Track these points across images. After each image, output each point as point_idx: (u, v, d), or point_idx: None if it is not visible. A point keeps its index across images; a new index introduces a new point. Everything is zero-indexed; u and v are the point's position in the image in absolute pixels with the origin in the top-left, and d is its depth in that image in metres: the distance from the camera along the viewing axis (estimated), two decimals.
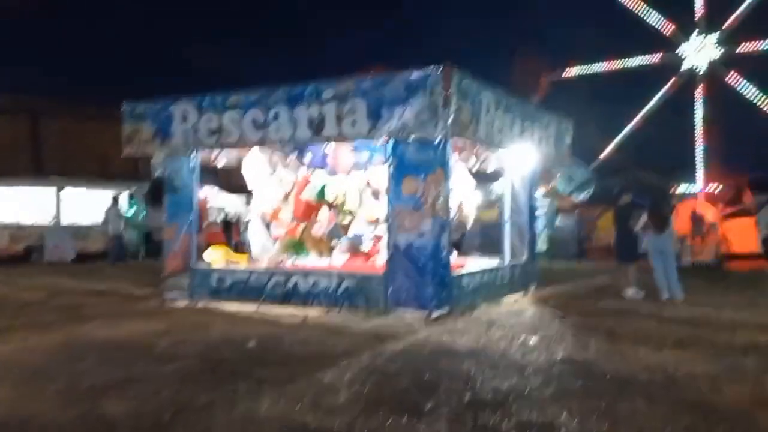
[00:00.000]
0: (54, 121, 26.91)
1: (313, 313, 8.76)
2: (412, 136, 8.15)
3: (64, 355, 6.27)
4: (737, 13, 21.76)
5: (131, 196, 22.07)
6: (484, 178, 12.94)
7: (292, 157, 10.96)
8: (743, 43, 21.63)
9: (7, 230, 19.10)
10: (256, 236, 10.40)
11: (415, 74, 7.99)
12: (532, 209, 11.55)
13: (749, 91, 21.64)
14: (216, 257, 10.54)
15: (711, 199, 21.65)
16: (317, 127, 8.58)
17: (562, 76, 25.67)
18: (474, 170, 11.85)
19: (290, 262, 10.23)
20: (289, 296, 9.07)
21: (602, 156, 25.10)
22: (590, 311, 9.19)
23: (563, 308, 9.39)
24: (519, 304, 9.92)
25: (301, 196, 10.37)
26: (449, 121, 7.91)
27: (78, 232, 20.15)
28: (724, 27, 21.94)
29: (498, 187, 12.32)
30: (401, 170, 8.44)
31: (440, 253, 8.42)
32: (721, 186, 22.33)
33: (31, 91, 26.37)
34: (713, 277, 14.89)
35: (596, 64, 25.15)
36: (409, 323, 7.96)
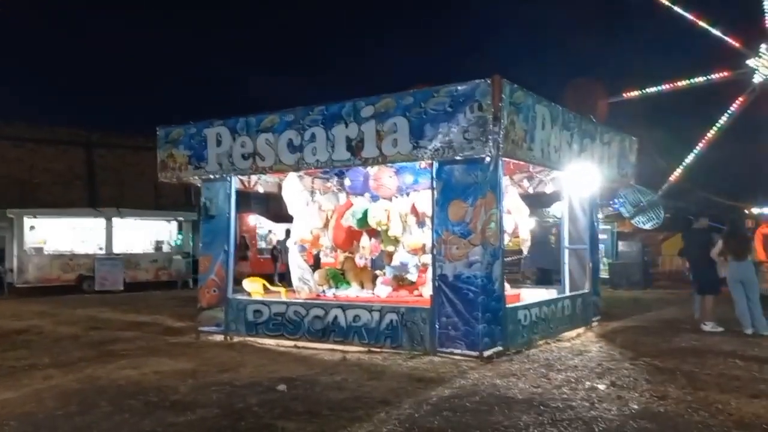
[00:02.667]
0: (108, 152, 27.38)
1: (353, 350, 8.03)
2: (459, 156, 7.38)
3: (76, 402, 5.71)
4: None
5: (180, 225, 22.09)
6: (537, 201, 12.06)
7: (332, 181, 10.36)
8: None
9: (60, 259, 19.28)
10: (294, 265, 9.76)
11: (462, 87, 7.25)
12: (593, 235, 10.55)
13: None
14: (255, 288, 9.97)
15: None
16: (356, 148, 7.93)
17: (622, 97, 24.49)
18: (529, 193, 11.01)
19: (330, 293, 9.56)
20: (328, 331, 8.37)
21: (670, 179, 23.63)
22: (664, 350, 8.14)
23: (632, 346, 8.37)
24: (581, 341, 8.93)
25: (341, 222, 9.71)
26: (500, 138, 7.12)
27: (129, 261, 20.19)
28: None
29: (555, 211, 11.41)
30: (448, 194, 7.68)
31: (492, 284, 7.58)
32: None
33: (86, 123, 27.03)
34: None
35: (658, 84, 23.90)
36: (457, 364, 7.14)
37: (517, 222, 9.87)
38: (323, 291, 9.71)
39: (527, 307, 8.54)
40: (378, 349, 7.94)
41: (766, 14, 21.52)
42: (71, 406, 5.55)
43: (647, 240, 20.57)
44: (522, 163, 8.56)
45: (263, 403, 5.62)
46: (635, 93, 24.57)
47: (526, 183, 10.61)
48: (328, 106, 8.21)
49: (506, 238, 9.18)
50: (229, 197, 9.40)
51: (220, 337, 9.23)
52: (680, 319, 10.96)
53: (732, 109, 22.36)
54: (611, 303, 14.05)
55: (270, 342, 8.71)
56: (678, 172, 23.54)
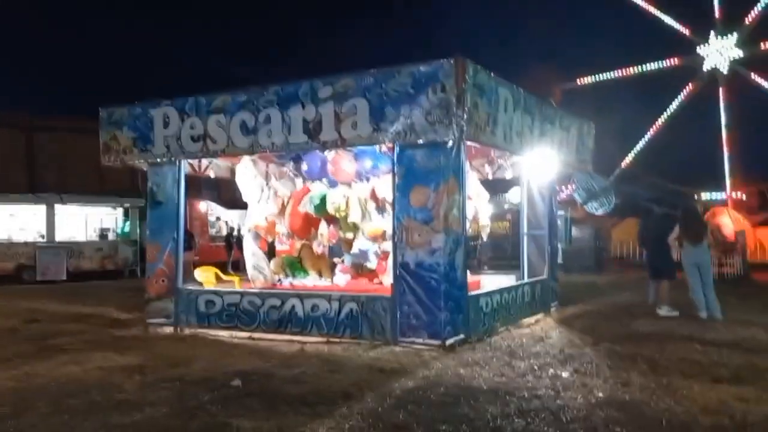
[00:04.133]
0: (50, 135, 26.17)
1: (312, 341, 7.76)
2: (422, 139, 7.14)
3: (10, 403, 5.27)
4: (756, 12, 20.77)
5: (126, 211, 21.31)
6: (493, 186, 11.95)
7: (289, 166, 9.99)
8: (764, 42, 20.63)
9: None
10: (249, 254, 9.39)
11: (424, 67, 7.00)
12: (552, 220, 10.51)
13: None
14: (207, 278, 9.56)
15: (737, 206, 20.55)
16: (313, 131, 7.60)
17: (576, 84, 24.70)
18: (489, 179, 10.89)
19: (287, 282, 9.24)
20: (285, 322, 8.06)
21: (621, 165, 24.00)
22: (624, 335, 8.14)
23: (592, 332, 8.34)
24: (541, 327, 8.88)
25: (298, 209, 9.38)
26: (463, 121, 6.91)
27: (72, 249, 19.35)
28: (743, 27, 20.93)
29: (512, 197, 11.34)
30: (409, 179, 7.44)
31: (455, 271, 7.40)
32: (746, 193, 21.25)
33: (26, 105, 25.80)
34: (743, 290, 13.82)
35: (611, 71, 24.18)
36: (420, 354, 6.95)
37: (477, 208, 9.74)
38: (279, 280, 9.39)
39: (489, 294, 8.42)
40: (338, 340, 7.69)
41: (715, 3, 21.96)
42: (4, 408, 5.11)
43: (599, 225, 20.85)
44: (483, 147, 8.39)
45: (216, 399, 5.31)
46: (589, 79, 24.84)
47: (486, 168, 10.48)
48: (284, 86, 7.85)
49: (470, 225, 9.05)
50: (178, 182, 8.94)
51: (169, 330, 8.81)
52: (635, 304, 11.04)
53: (682, 96, 22.81)
54: (567, 288, 14.08)
55: (223, 334, 8.36)
56: (630, 157, 23.94)
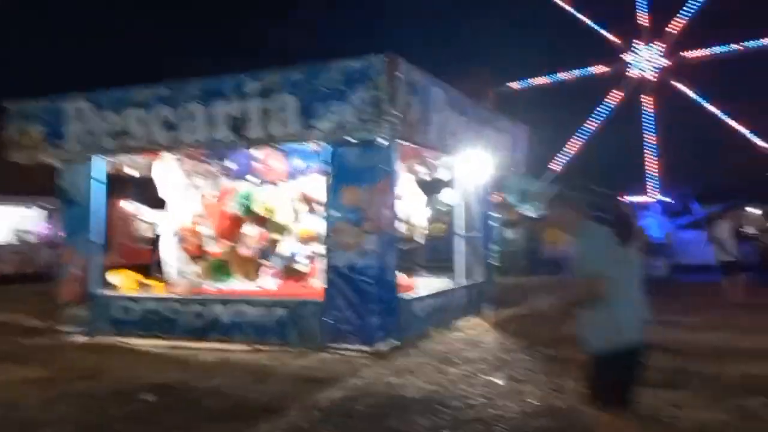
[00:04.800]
0: None
1: (236, 349, 7.35)
2: (353, 138, 6.87)
3: None
4: (681, 21, 21.59)
5: (47, 212, 20.11)
6: (429, 188, 11.82)
7: (214, 164, 9.51)
8: (688, 51, 21.46)
9: None
10: (169, 257, 8.86)
11: (355, 63, 6.73)
12: (487, 223, 10.44)
13: (696, 99, 21.43)
14: (124, 282, 8.96)
15: (660, 210, 21.24)
16: (239, 128, 7.21)
17: (510, 88, 25.03)
18: (424, 180, 10.73)
19: (212, 287, 8.77)
20: (208, 329, 7.62)
21: (552, 168, 24.51)
22: (557, 338, 7.96)
23: (526, 335, 8.25)
24: (476, 331, 8.74)
25: (224, 209, 8.93)
26: (396, 119, 6.67)
27: None
28: (668, 36, 21.73)
29: (447, 198, 11.24)
30: (340, 179, 7.16)
31: (387, 274, 7.17)
32: (669, 196, 22.01)
33: None
34: (667, 291, 14.19)
35: (542, 76, 24.62)
36: (350, 361, 6.66)
37: (412, 209, 9.55)
38: (204, 284, 8.89)
39: (423, 297, 8.22)
40: (264, 348, 7.31)
41: (637, 12, 22.67)
42: None
43: (531, 227, 21.09)
44: (417, 147, 8.19)
45: (128, 415, 4.88)
46: (521, 83, 25.27)
47: (420, 169, 10.30)
48: (208, 80, 7.42)
49: (402, 226, 8.84)
50: (94, 181, 8.35)
51: (83, 339, 8.20)
52: (568, 306, 11.09)
53: (609, 101, 23.44)
54: (501, 290, 14.15)
55: (141, 343, 7.82)
56: (560, 160, 24.46)
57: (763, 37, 19.91)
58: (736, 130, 20.94)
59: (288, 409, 4.97)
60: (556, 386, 5.63)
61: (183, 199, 8.94)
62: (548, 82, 24.86)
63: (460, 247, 10.12)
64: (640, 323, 3.39)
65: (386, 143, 6.93)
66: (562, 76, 24.60)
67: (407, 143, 7.48)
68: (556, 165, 24.40)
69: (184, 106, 7.44)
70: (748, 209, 22.59)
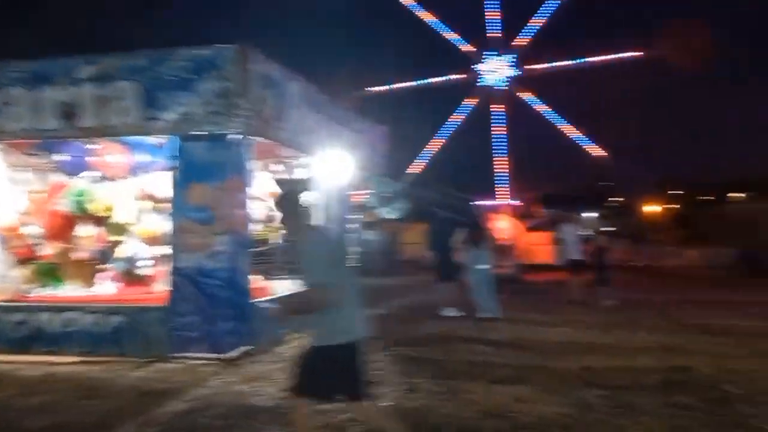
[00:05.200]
0: None
1: (65, 361, 6.60)
2: (201, 131, 6.43)
3: None
4: (528, 36, 23.00)
5: None
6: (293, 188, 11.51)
7: (43, 157, 8.54)
8: (534, 63, 22.91)
9: None
10: None
11: (204, 51, 6.32)
12: (346, 224, 10.33)
13: (542, 108, 22.92)
14: None
15: (509, 213, 22.46)
16: (69, 116, 6.50)
17: (371, 91, 25.29)
18: (287, 179, 10.37)
19: (40, 293, 7.84)
20: (31, 340, 6.79)
21: (410, 171, 25.07)
22: (413, 338, 8.13)
23: (383, 335, 8.19)
24: None
25: (56, 207, 8.03)
26: (248, 113, 6.33)
27: None
28: (516, 48, 23.06)
29: (306, 199, 10.98)
30: (188, 175, 6.68)
31: (238, 277, 6.79)
32: (518, 200, 23.31)
33: None
34: (518, 289, 14.96)
35: (400, 83, 25.09)
36: (196, 370, 6.21)
37: (271, 209, 9.18)
38: (31, 291, 7.93)
39: (275, 300, 7.89)
40: (98, 359, 6.62)
41: (492, 25, 23.90)
42: None
43: (390, 229, 21.43)
44: (272, 144, 7.87)
45: None
46: (383, 88, 25.66)
47: (277, 168, 9.94)
48: (34, 62, 6.62)
49: (258, 227, 8.47)
50: None
51: None
52: (423, 306, 11.29)
53: (463, 108, 24.45)
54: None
55: None
56: (419, 164, 25.10)
57: (604, 54, 21.74)
58: (577, 140, 22.62)
59: (122, 425, 4.49)
60: (411, 386, 5.58)
61: (6, 195, 7.92)
62: (407, 86, 25.41)
63: None
64: (362, 320, 3.50)
65: (238, 138, 6.55)
66: (417, 83, 25.25)
67: (261, 139, 7.15)
68: (415, 168, 25.03)
69: (6, 90, 6.58)
70: (587, 212, 24.67)
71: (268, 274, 10.19)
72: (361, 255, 19.95)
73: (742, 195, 34.51)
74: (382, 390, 5.43)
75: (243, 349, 6.79)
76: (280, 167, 9.83)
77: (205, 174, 6.60)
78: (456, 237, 9.98)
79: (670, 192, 54.17)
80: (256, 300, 7.33)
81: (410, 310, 10.96)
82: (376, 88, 25.85)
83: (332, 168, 9.35)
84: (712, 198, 39.08)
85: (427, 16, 24.36)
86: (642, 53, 20.80)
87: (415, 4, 25.48)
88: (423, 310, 10.73)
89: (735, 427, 4.50)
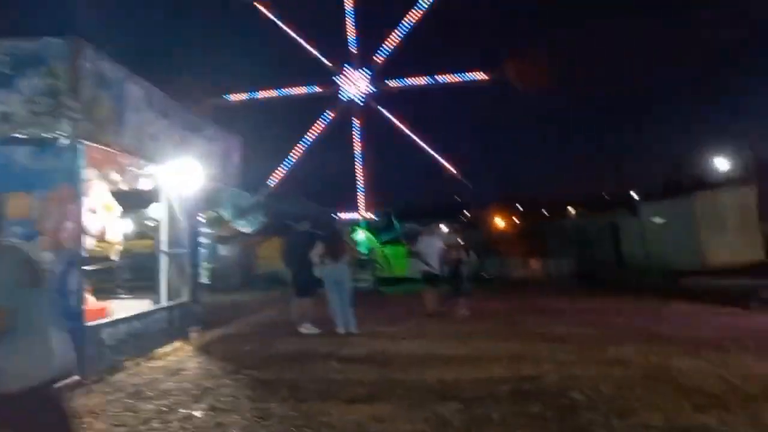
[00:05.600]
0: None
1: None
2: (22, 134, 5.66)
3: None
4: (386, 52, 23.43)
5: None
6: (137, 200, 10.68)
7: None
8: (391, 80, 23.37)
9: None
10: None
11: (26, 43, 5.57)
12: (195, 238, 9.70)
13: (397, 124, 23.39)
14: None
15: (368, 226, 22.60)
16: None
17: (230, 100, 24.37)
18: (123, 190, 9.54)
19: None
20: None
21: (270, 183, 24.45)
22: (266, 358, 7.74)
23: (234, 357, 7.76)
24: (178, 358, 7.95)
25: None
26: (79, 115, 5.67)
27: None
28: (374, 65, 23.41)
29: (153, 212, 10.20)
30: (6, 183, 5.83)
31: (68, 299, 6.04)
32: (375, 214, 23.54)
33: None
34: (373, 301, 15.00)
35: (259, 92, 24.45)
36: None
37: (107, 223, 8.38)
38: None
39: (114, 323, 7.18)
40: None
41: (352, 40, 24.07)
42: None
43: (246, 243, 20.72)
44: (109, 150, 7.16)
45: None
46: (242, 97, 24.86)
47: (116, 177, 9.13)
48: None
49: (91, 242, 7.66)
50: None
51: None
52: (279, 322, 10.91)
53: (323, 119, 24.34)
54: (212, 309, 13.41)
55: None
56: (278, 176, 24.57)
57: (462, 73, 22.65)
58: (432, 155, 23.32)
59: None
60: (261, 413, 5.22)
61: None
62: (269, 96, 24.83)
63: (164, 265, 9.21)
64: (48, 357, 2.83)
65: (67, 143, 5.85)
66: (276, 93, 24.78)
67: (96, 145, 6.45)
68: (275, 180, 24.46)
69: None
70: (442, 226, 25.48)
71: (108, 294, 9.33)
72: (215, 270, 19.15)
73: (578, 210, 37.56)
74: (230, 419, 5.05)
75: (72, 379, 6.02)
76: (120, 177, 9.04)
77: (26, 182, 5.83)
78: (313, 251, 9.71)
79: (518, 207, 57.87)
80: (91, 323, 6.61)
81: (265, 328, 10.53)
82: (236, 97, 24.96)
83: (180, 178, 8.75)
84: (553, 213, 42.16)
85: (290, 27, 24.00)
86: (487, 76, 21.90)
87: (277, 15, 25.06)
88: (278, 327, 10.35)
89: None
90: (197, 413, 5.25)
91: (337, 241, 9.80)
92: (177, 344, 8.70)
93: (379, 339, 8.99)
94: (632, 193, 47.56)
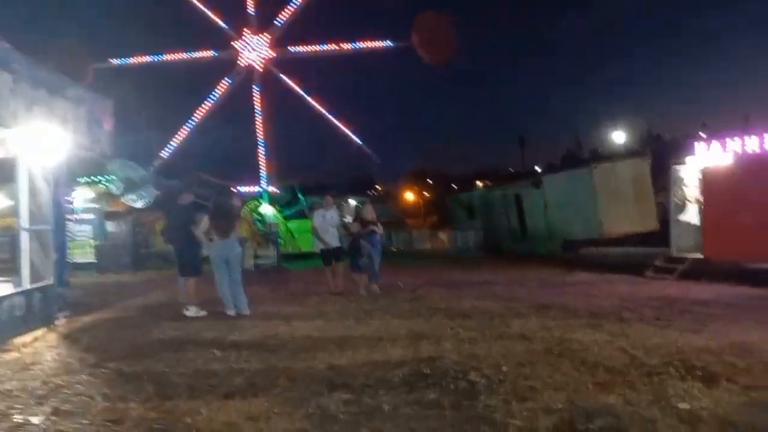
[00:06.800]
0: None
1: None
2: None
3: None
4: (286, 15, 22.20)
5: None
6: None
7: None
8: (293, 45, 22.22)
9: None
10: None
11: None
12: (59, 213, 8.57)
13: (302, 94, 22.36)
14: None
15: (272, 200, 21.70)
16: None
17: (111, 63, 22.35)
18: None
19: None
20: None
21: (162, 155, 22.82)
22: (138, 347, 6.87)
23: (101, 346, 6.85)
24: (35, 348, 6.92)
25: None
26: None
27: None
28: (275, 28, 22.15)
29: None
30: None
31: None
32: (278, 187, 22.63)
33: None
34: (274, 279, 14.27)
35: (151, 56, 22.51)
36: None
37: None
38: None
39: None
40: None
41: (248, 4, 22.61)
42: None
43: (139, 219, 19.34)
44: None
45: None
46: (123, 60, 22.89)
47: None
48: None
49: None
50: None
51: None
52: (165, 304, 10.00)
53: (220, 89, 22.87)
54: (93, 291, 12.27)
55: None
56: (171, 147, 22.96)
57: (362, 41, 21.79)
58: (338, 127, 22.54)
59: None
60: (115, 415, 4.43)
61: None
62: (156, 61, 22.99)
63: (24, 244, 8.05)
64: None
65: None
66: (168, 57, 23.03)
67: None
68: (166, 152, 22.84)
69: None
70: (350, 200, 24.92)
71: None
72: (102, 248, 17.72)
73: (486, 183, 38.07)
74: (75, 425, 4.24)
75: None
76: None
77: None
78: (200, 227, 8.83)
79: (428, 181, 58.29)
80: None
81: (148, 310, 9.58)
82: (116, 61, 22.91)
83: (39, 144, 7.61)
84: (462, 187, 42.61)
85: None
86: (391, 44, 21.22)
87: None
88: (162, 310, 9.45)
89: (482, 423, 4.17)
90: (35, 419, 4.38)
91: (224, 214, 8.93)
92: (39, 333, 7.65)
93: (273, 321, 8.30)
94: (536, 166, 48.99)
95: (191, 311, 8.77)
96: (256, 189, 21.88)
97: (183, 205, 9.23)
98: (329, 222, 11.22)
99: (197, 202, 9.77)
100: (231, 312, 8.73)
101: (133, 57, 22.81)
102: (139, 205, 18.79)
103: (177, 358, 6.22)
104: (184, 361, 6.06)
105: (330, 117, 22.56)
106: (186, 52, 23.10)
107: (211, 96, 22.81)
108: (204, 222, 8.80)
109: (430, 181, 59.79)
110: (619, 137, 42.82)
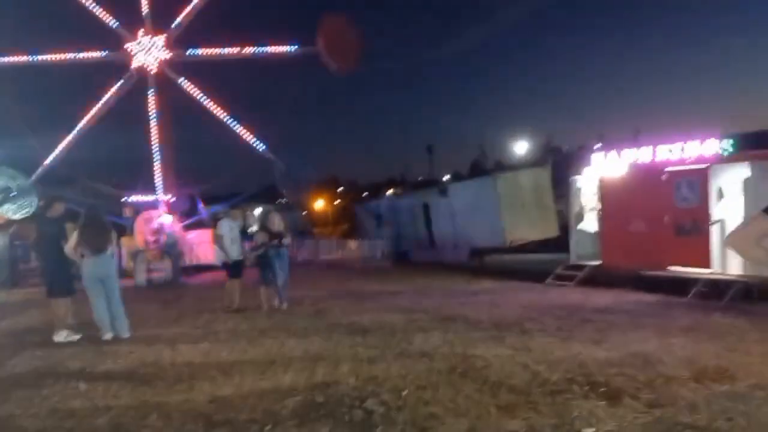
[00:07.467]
0: None
1: None
2: None
3: None
4: (185, 16, 21.09)
5: None
6: None
7: None
8: (191, 48, 21.12)
9: None
10: None
11: None
12: None
13: (200, 96, 21.24)
14: None
15: (169, 209, 20.47)
16: None
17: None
18: None
19: None
20: None
21: (46, 163, 21.02)
22: None
23: None
24: None
25: None
26: None
27: None
28: (171, 29, 20.97)
29: None
30: None
31: None
32: (176, 196, 21.42)
33: None
34: (169, 295, 13.30)
35: (27, 55, 20.64)
36: None
37: None
38: None
39: None
40: None
41: (143, 4, 21.33)
42: None
43: (18, 232, 17.64)
44: None
45: None
46: (21, 58, 20.91)
47: None
48: None
49: None
50: None
51: None
52: (34, 328, 8.94)
53: (112, 92, 21.36)
54: None
55: None
56: (56, 155, 21.19)
57: (266, 45, 20.96)
58: (242, 135, 21.61)
59: None
60: None
61: None
62: (56, 59, 21.15)
63: None
64: None
65: None
66: (52, 57, 21.25)
67: None
68: (52, 159, 21.06)
69: None
70: (256, 209, 23.97)
71: None
72: None
73: (396, 191, 38.02)
74: None
75: None
76: None
77: None
78: (69, 241, 7.90)
79: (338, 189, 57.73)
80: None
81: (12, 335, 8.51)
82: (11, 58, 20.92)
83: None
84: (372, 195, 42.42)
85: None
86: (297, 49, 20.57)
87: None
88: (29, 335, 8.43)
89: None
90: None
91: (98, 228, 8.00)
92: None
93: (155, 345, 7.51)
94: (444, 176, 49.66)
95: (61, 336, 7.83)
96: (151, 198, 20.60)
97: (52, 218, 8.25)
98: (234, 233, 10.67)
99: (74, 212, 8.82)
100: (107, 336, 7.86)
101: (7, 56, 20.85)
102: (18, 216, 17.15)
103: (30, 395, 5.39)
104: (38, 400, 5.25)
105: (231, 122, 21.52)
106: (73, 53, 21.41)
107: (101, 99, 21.28)
108: (73, 237, 7.86)
109: (341, 189, 59.37)
110: (521, 148, 44.12)
